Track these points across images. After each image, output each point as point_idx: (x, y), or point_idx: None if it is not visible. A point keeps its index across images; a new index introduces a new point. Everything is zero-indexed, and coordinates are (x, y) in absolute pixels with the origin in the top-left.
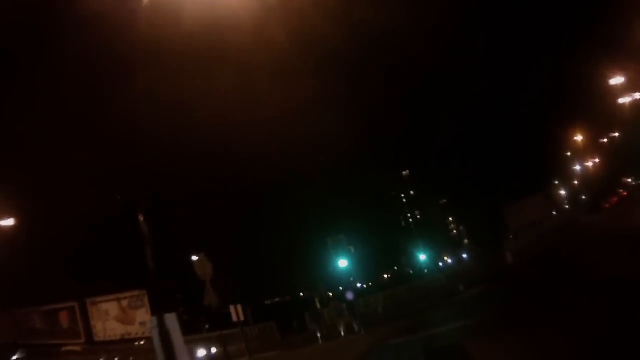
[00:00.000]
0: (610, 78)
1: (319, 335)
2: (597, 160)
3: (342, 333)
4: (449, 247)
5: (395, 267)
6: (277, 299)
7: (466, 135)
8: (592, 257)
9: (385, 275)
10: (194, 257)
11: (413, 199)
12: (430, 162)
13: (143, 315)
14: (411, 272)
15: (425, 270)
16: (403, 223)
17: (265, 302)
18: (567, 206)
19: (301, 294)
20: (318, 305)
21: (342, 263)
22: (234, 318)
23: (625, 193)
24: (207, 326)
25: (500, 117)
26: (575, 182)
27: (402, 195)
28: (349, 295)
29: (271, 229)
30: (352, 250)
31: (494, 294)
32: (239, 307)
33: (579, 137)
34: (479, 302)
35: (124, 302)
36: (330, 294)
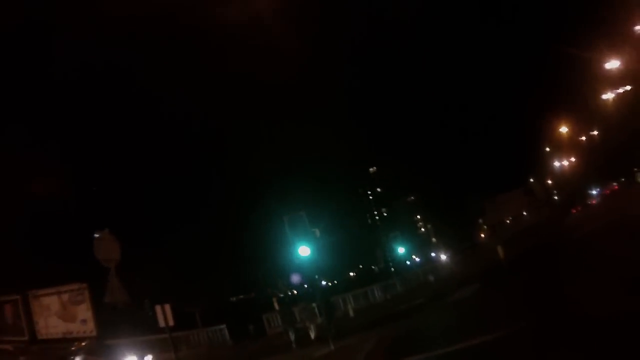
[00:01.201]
0: (600, 65)
1: (292, 339)
2: (573, 159)
3: (313, 337)
4: (417, 246)
5: (361, 266)
6: (234, 298)
7: (436, 128)
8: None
9: (352, 274)
10: (96, 235)
11: (380, 197)
12: (398, 158)
13: (84, 312)
14: (392, 268)
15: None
16: (369, 221)
17: (218, 302)
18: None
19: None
20: (276, 306)
21: (304, 251)
22: (161, 323)
23: (593, 202)
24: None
25: (475, 109)
26: (549, 181)
27: (369, 192)
28: (295, 279)
29: (219, 209)
30: (318, 234)
31: (495, 296)
32: (168, 308)
33: (563, 129)
34: (481, 306)
35: (65, 297)
36: (295, 292)
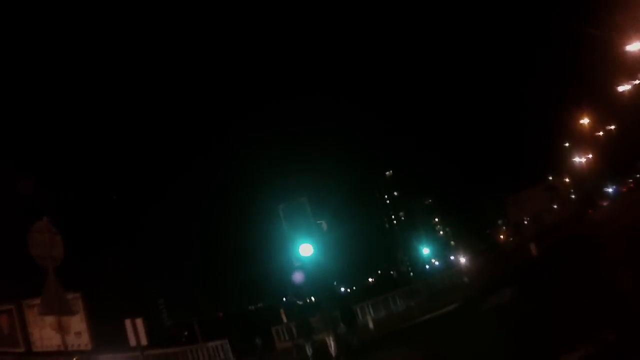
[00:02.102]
0: (621, 49)
1: (309, 354)
2: (590, 156)
3: (333, 353)
4: (436, 249)
5: (380, 271)
6: (241, 310)
7: (453, 127)
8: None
9: (370, 280)
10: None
11: (397, 200)
12: (414, 161)
13: (78, 323)
14: (411, 273)
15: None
16: (387, 225)
17: (219, 314)
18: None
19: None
20: (284, 318)
21: (305, 250)
22: (132, 342)
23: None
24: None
25: (490, 104)
26: (567, 179)
27: (386, 196)
28: (297, 278)
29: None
30: (325, 227)
31: (538, 300)
32: (140, 323)
33: (584, 121)
34: (528, 315)
35: None
36: (307, 300)
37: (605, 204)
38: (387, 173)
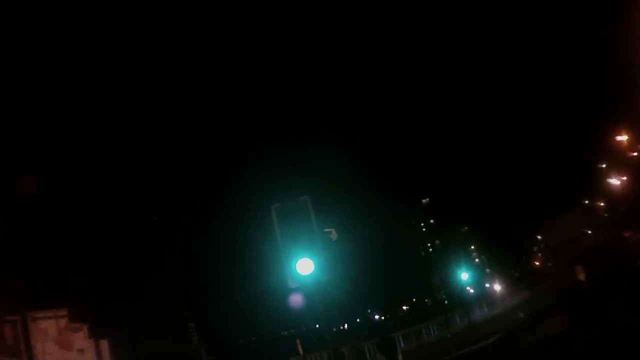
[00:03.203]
0: None
1: None
2: (624, 178)
3: None
4: (474, 277)
5: (414, 299)
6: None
7: (486, 155)
8: None
9: (404, 307)
10: None
11: (433, 228)
12: (450, 188)
13: (81, 340)
14: (446, 300)
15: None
16: (423, 253)
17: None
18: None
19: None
20: (300, 350)
21: (305, 266)
22: None
23: None
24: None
25: (522, 130)
26: (602, 203)
27: (422, 224)
28: (294, 301)
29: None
30: (334, 236)
31: (598, 332)
32: (105, 345)
33: (621, 138)
34: (591, 351)
35: (62, 322)
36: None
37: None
38: (424, 201)
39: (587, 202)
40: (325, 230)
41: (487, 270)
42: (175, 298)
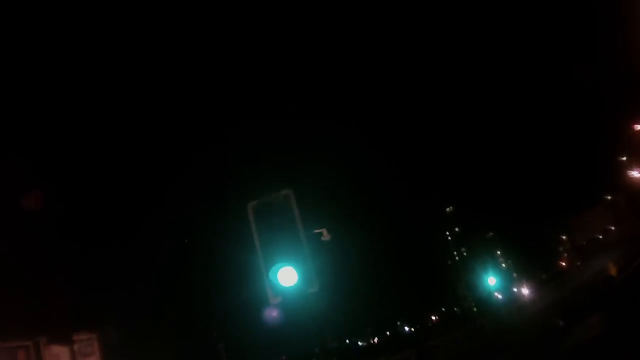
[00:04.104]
0: None
1: None
2: None
3: None
4: (501, 282)
5: (443, 309)
6: None
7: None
8: None
9: (434, 318)
10: None
11: (458, 236)
12: (473, 194)
13: None
14: (474, 308)
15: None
16: (449, 262)
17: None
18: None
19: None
20: None
21: (287, 276)
22: None
23: None
24: None
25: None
26: (624, 197)
27: (447, 232)
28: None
29: None
30: (326, 237)
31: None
32: None
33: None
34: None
35: (75, 347)
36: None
37: None
38: (448, 209)
39: (609, 197)
40: (315, 231)
41: (514, 274)
42: (201, 317)
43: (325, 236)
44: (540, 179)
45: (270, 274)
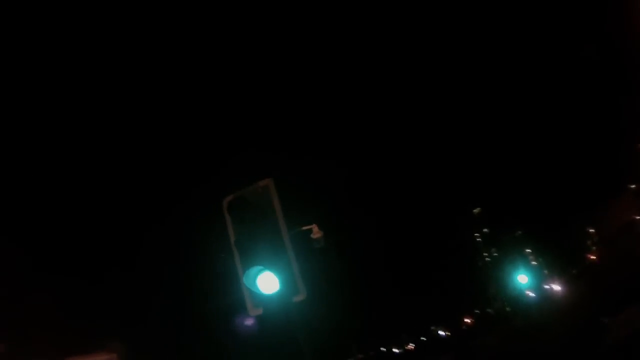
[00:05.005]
0: None
1: None
2: None
3: None
4: (532, 280)
5: (477, 311)
6: None
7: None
8: None
9: (468, 320)
10: None
11: (487, 237)
12: (499, 193)
13: None
14: (507, 307)
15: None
16: (480, 263)
17: None
18: None
19: None
20: None
21: (267, 283)
22: None
23: None
24: None
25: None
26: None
27: (476, 234)
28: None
29: None
30: (317, 235)
31: None
32: None
33: None
34: None
35: None
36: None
37: None
38: (475, 210)
39: (632, 186)
40: (303, 228)
41: (545, 272)
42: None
43: (316, 234)
44: (562, 173)
45: (246, 281)
